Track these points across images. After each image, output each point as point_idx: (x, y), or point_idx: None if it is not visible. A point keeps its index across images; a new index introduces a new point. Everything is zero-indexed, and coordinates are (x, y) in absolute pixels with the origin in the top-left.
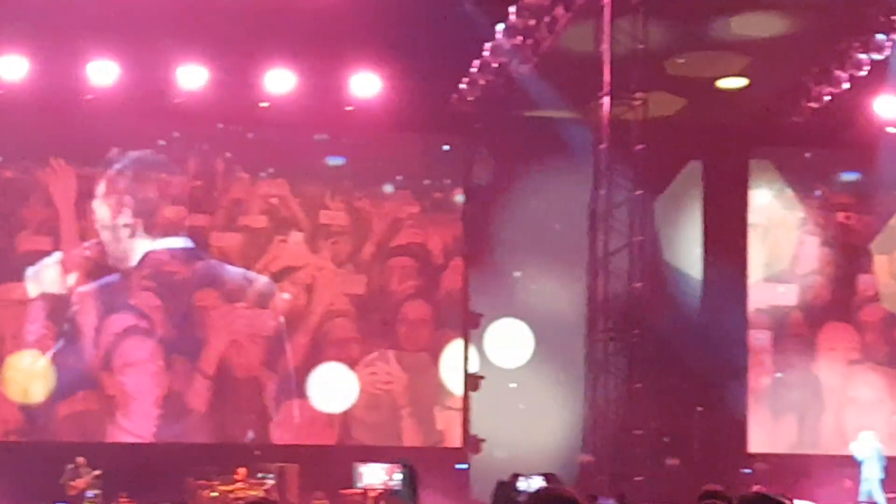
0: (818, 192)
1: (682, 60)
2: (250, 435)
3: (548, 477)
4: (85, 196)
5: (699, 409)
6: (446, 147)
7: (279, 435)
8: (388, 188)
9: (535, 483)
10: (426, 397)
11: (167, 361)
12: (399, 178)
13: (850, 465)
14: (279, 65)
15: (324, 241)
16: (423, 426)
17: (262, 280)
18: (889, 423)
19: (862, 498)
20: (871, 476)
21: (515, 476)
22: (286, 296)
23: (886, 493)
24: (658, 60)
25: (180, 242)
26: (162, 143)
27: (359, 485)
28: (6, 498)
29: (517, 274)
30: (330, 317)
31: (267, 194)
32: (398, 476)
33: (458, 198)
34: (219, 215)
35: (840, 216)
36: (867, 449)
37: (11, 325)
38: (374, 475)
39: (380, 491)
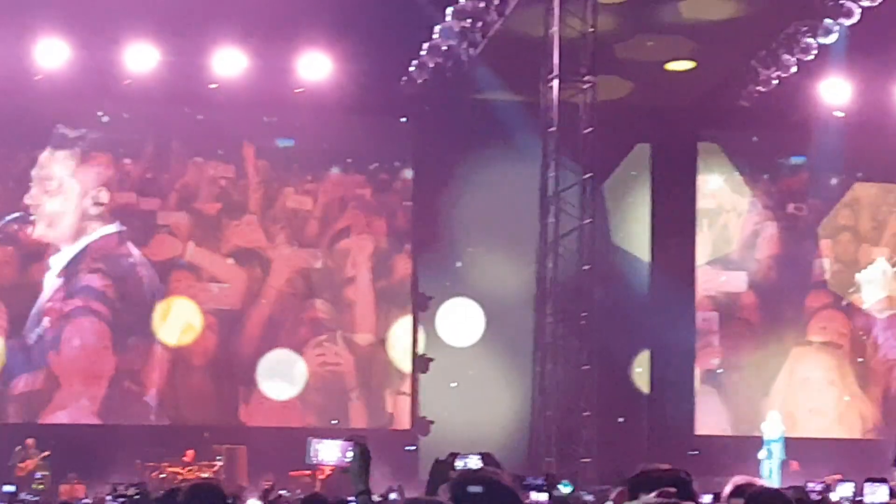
0: (766, 176)
1: (650, 42)
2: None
3: (484, 456)
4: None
5: (638, 369)
6: (404, 119)
7: (227, 417)
8: (337, 170)
9: (472, 462)
10: (375, 379)
11: (116, 343)
12: (349, 160)
13: (795, 446)
14: (229, 46)
15: (274, 223)
16: (371, 408)
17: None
18: (839, 405)
19: (763, 476)
20: (775, 456)
21: (452, 455)
22: (230, 261)
23: (833, 474)
24: (607, 44)
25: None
26: (110, 124)
27: (313, 460)
28: None
29: (459, 264)
30: (281, 299)
31: (217, 177)
32: (350, 454)
33: (408, 179)
34: (170, 198)
35: (788, 200)
36: (774, 430)
37: None
38: (329, 452)
39: (329, 472)
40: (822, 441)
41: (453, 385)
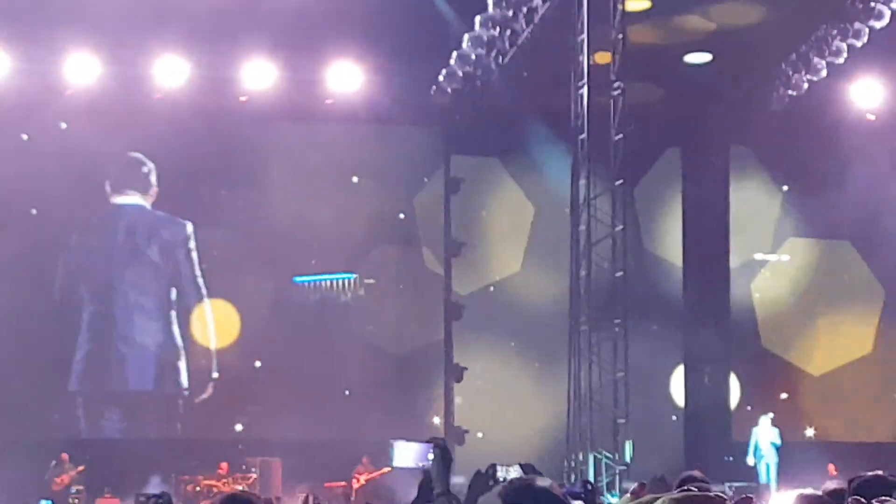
0: (798, 179)
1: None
2: None
3: (525, 467)
4: None
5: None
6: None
7: (263, 429)
8: (367, 180)
9: (513, 473)
10: (409, 389)
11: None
12: (379, 170)
13: (834, 450)
14: (258, 58)
15: (307, 234)
16: (406, 418)
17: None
18: (880, 409)
19: (761, 480)
20: (769, 460)
21: (493, 466)
22: (262, 272)
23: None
24: (636, 50)
25: (165, 235)
26: (141, 138)
27: (393, 464)
28: None
29: (492, 289)
30: (314, 309)
31: (248, 189)
32: (431, 455)
33: (439, 187)
34: (202, 213)
35: (822, 203)
36: (766, 433)
37: None
38: (410, 454)
39: (363, 482)
40: (864, 445)
41: (479, 435)
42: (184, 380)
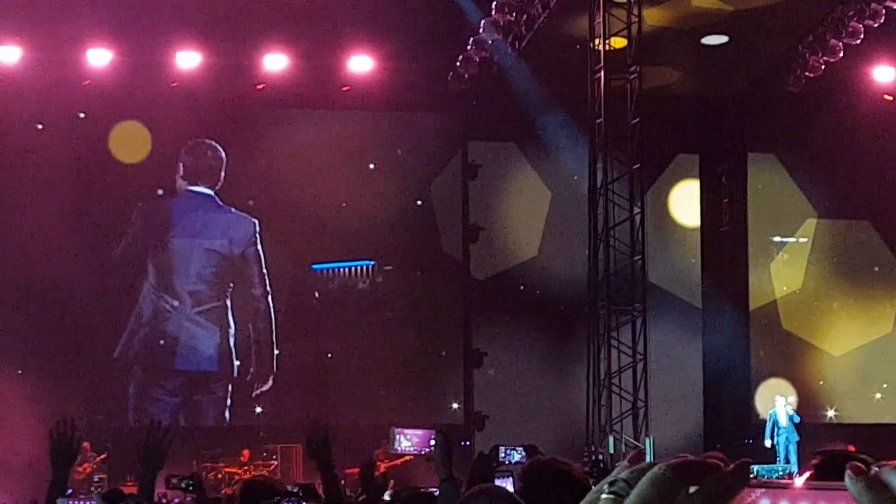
0: (816, 160)
1: (695, 30)
2: None
3: (528, 448)
4: None
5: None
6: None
7: (283, 415)
8: (383, 167)
9: (515, 455)
10: (428, 374)
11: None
12: (397, 157)
13: (853, 431)
14: (274, 46)
15: (322, 220)
16: (425, 403)
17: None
18: (889, 389)
19: (779, 462)
20: (790, 437)
21: (496, 447)
22: (278, 262)
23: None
24: (652, 34)
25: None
26: (155, 128)
27: (397, 449)
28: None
29: (522, 287)
30: (330, 295)
31: (264, 178)
32: (433, 442)
33: (457, 174)
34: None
35: (838, 183)
36: (782, 413)
37: None
38: (413, 441)
39: (383, 469)
40: (884, 426)
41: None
42: (237, 371)
